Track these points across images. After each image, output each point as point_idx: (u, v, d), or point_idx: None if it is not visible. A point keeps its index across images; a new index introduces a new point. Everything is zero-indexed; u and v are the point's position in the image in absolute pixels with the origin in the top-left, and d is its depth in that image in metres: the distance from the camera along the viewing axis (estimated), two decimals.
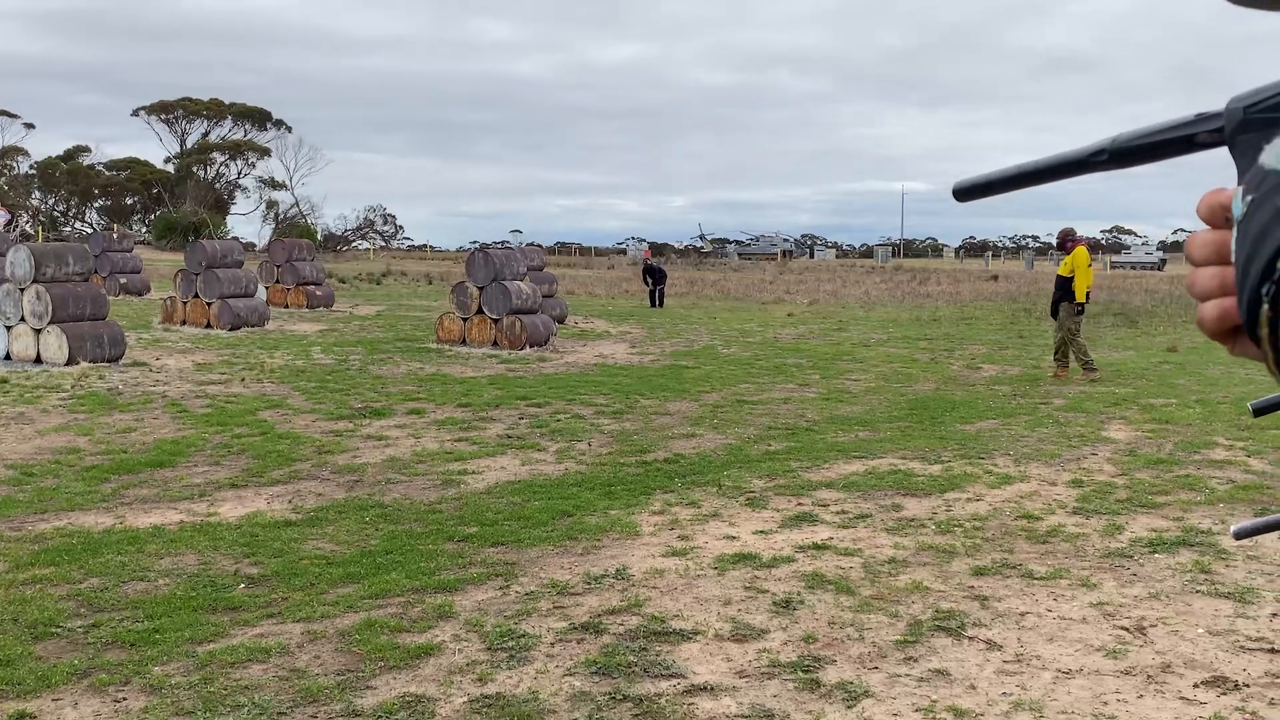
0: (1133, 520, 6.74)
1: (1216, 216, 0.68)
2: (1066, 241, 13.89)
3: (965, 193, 0.90)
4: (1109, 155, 0.75)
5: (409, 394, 11.81)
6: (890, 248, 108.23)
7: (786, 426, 10.05)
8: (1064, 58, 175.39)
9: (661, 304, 28.54)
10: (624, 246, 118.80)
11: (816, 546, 6.09)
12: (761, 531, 6.42)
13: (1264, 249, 0.56)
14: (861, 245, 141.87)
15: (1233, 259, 0.61)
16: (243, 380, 12.68)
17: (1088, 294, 13.80)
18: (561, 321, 21.43)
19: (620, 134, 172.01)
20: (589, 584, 5.42)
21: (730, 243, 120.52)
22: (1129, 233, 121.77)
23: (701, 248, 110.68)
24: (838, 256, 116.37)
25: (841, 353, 16.97)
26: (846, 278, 47.99)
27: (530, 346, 16.59)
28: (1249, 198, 0.60)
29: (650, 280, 29.39)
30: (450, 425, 9.90)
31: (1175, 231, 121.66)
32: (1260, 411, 0.93)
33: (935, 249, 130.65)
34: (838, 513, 6.87)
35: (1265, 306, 0.54)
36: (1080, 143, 0.77)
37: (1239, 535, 0.96)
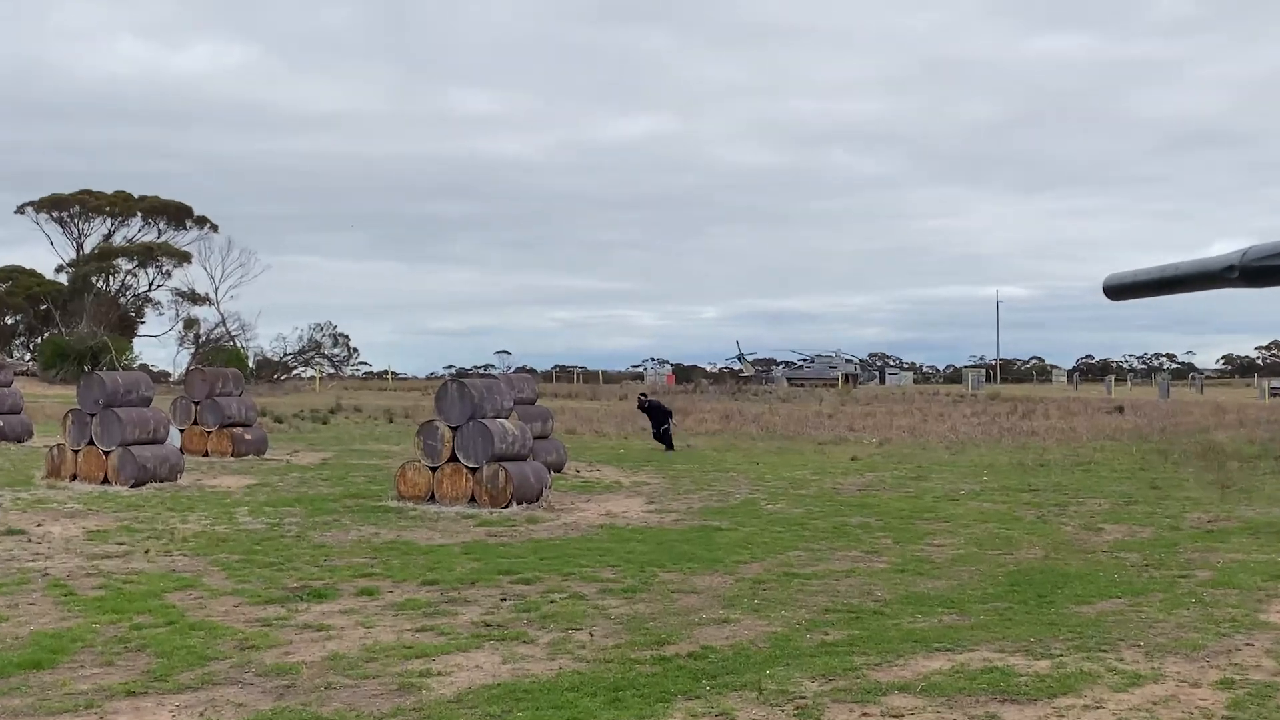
0: None
1: None
2: None
3: (1117, 291, 0.95)
4: (1239, 272, 0.81)
5: (359, 568, 11.79)
6: (983, 370, 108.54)
7: (849, 608, 9.98)
8: (1197, 130, 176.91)
9: (668, 444, 28.57)
10: (641, 370, 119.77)
11: None
12: None
13: None
14: (946, 367, 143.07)
15: None
16: (147, 553, 12.70)
17: None
18: (559, 470, 21.49)
19: (633, 228, 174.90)
20: None
21: (777, 365, 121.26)
22: None
23: (740, 371, 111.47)
24: (916, 381, 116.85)
25: (921, 509, 16.92)
26: (927, 409, 48.06)
27: (518, 503, 16.61)
28: None
29: (653, 420, 29.52)
30: (411, 610, 9.87)
31: None
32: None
33: (1041, 371, 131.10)
34: None
35: None
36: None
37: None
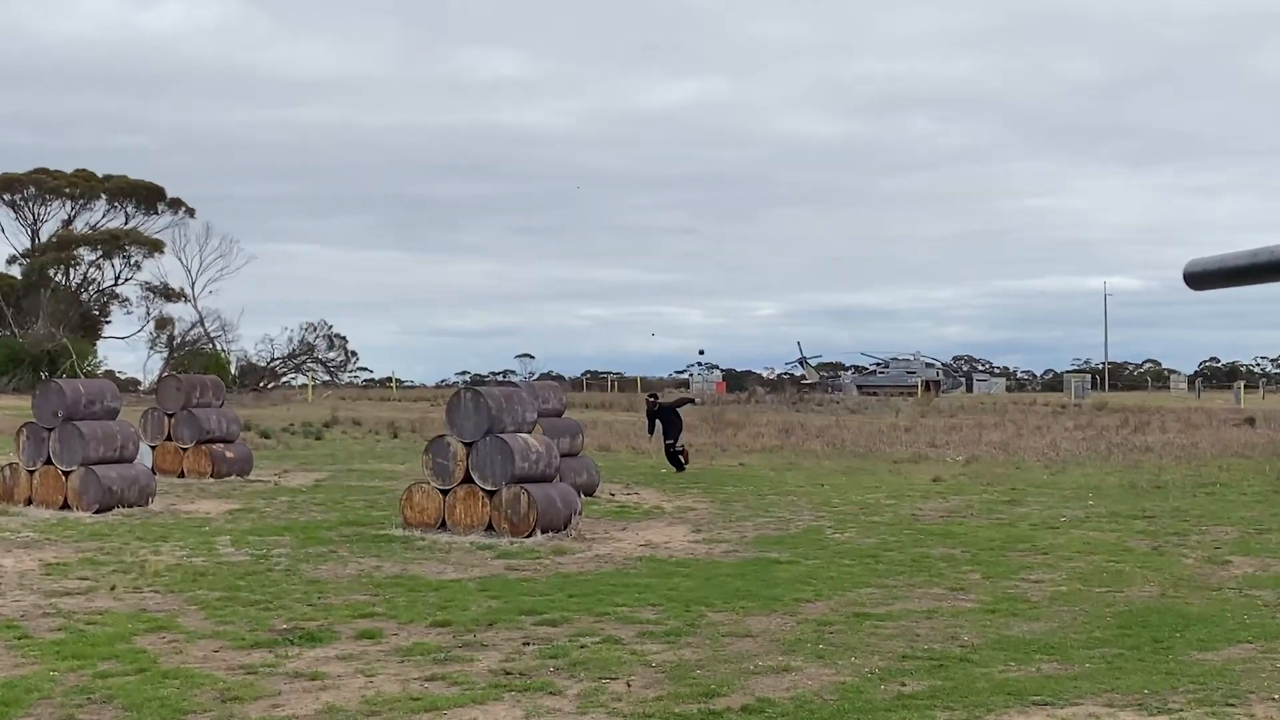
0: None
1: None
2: None
3: (1200, 278, 0.96)
4: None
5: (359, 607, 11.85)
6: (1088, 376, 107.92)
7: (930, 655, 9.96)
8: None
9: (677, 465, 28.19)
10: (686, 376, 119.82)
11: None
12: None
13: None
14: (1045, 372, 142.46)
15: None
16: (113, 589, 12.79)
17: None
18: (590, 493, 21.50)
19: (677, 211, 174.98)
20: None
21: (846, 370, 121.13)
22: None
23: (803, 377, 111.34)
24: (1009, 389, 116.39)
25: (1015, 538, 16.86)
26: (1022, 422, 47.80)
27: (543, 532, 16.64)
28: None
29: (666, 428, 29.15)
30: (419, 655, 9.91)
31: None
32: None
33: (1158, 377, 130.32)
34: None
35: None
36: None
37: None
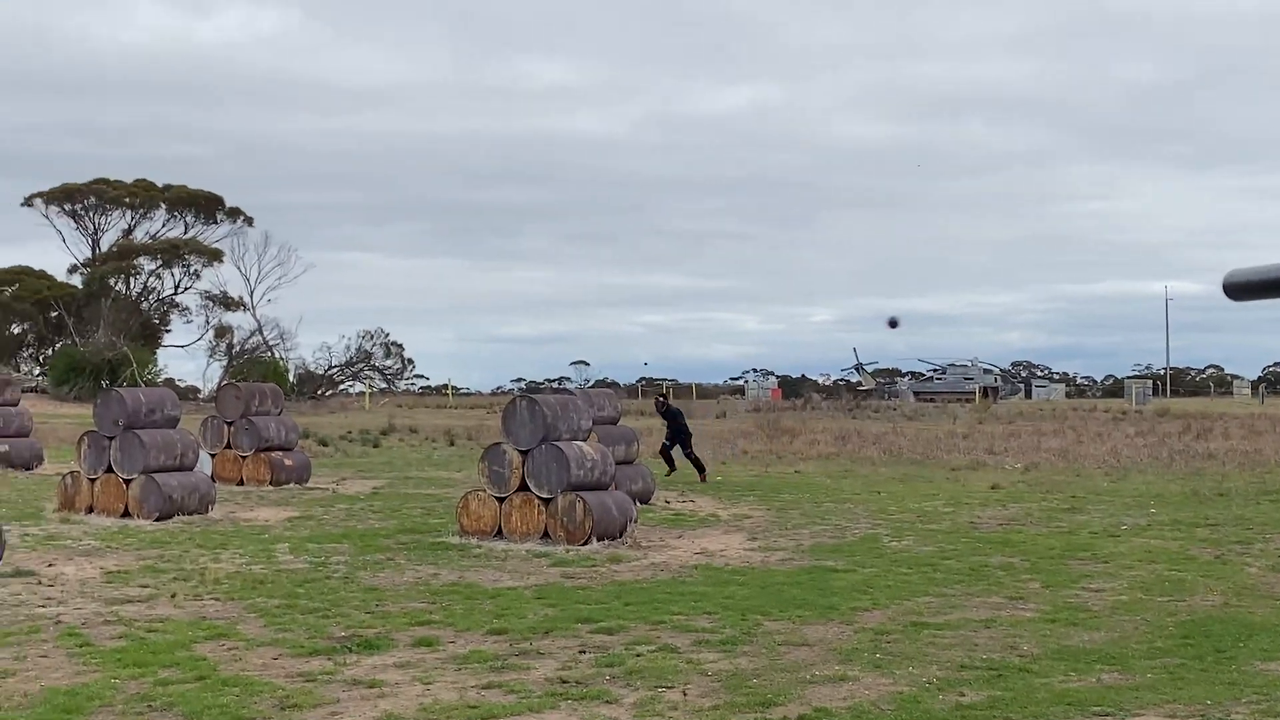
0: None
1: None
2: None
3: (1239, 289, 0.96)
4: None
5: (416, 615, 11.91)
6: (1149, 382, 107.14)
7: (989, 664, 9.92)
8: None
9: (693, 468, 28.24)
10: (742, 383, 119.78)
11: None
12: None
13: None
14: (1105, 378, 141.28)
15: None
16: (174, 596, 12.91)
17: None
18: (646, 501, 21.53)
19: (731, 217, 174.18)
20: None
21: (903, 376, 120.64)
22: None
23: (859, 384, 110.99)
24: (1068, 395, 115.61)
25: (1075, 547, 16.76)
26: (1082, 429, 47.52)
27: (598, 540, 16.67)
28: None
29: (671, 429, 29.19)
30: (476, 663, 9.95)
31: None
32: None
33: (1221, 383, 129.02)
34: None
35: None
36: None
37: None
